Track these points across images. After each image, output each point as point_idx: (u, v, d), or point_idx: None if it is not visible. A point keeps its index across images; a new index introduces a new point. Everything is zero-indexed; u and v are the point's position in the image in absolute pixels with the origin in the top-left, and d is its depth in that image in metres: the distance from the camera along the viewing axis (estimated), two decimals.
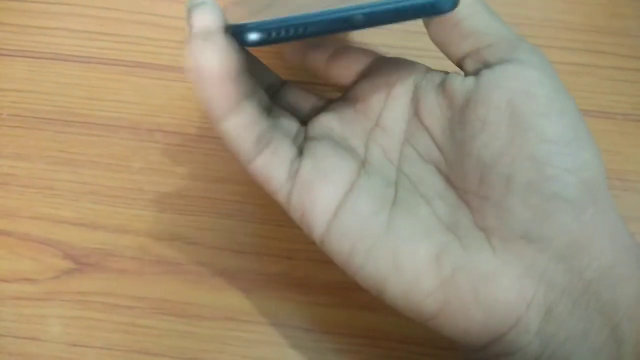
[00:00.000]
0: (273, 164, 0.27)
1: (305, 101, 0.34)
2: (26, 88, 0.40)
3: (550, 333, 0.25)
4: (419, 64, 0.32)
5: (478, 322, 0.25)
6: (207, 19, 0.25)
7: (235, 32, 0.25)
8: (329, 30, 0.24)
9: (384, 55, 0.33)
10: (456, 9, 0.26)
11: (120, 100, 0.40)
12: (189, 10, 0.25)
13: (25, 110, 0.40)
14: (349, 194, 0.28)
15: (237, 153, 0.27)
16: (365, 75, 0.32)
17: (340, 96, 0.33)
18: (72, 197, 0.38)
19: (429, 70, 0.31)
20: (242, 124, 0.26)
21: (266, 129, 0.27)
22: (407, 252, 0.26)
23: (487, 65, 0.27)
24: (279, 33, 0.24)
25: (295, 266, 0.37)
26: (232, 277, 0.37)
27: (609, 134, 0.40)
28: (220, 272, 0.37)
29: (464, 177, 0.27)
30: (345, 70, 0.33)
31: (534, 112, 0.25)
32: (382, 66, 0.32)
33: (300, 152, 0.29)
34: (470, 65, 0.28)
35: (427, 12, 0.25)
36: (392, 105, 0.30)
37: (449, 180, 0.28)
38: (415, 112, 0.30)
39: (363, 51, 0.33)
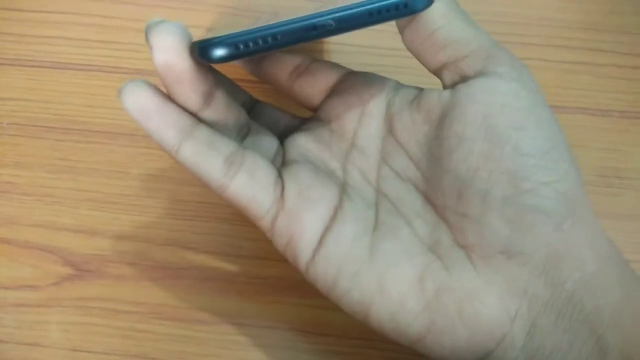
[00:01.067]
0: (254, 188, 0.27)
1: (278, 120, 0.34)
2: (25, 97, 0.41)
3: (536, 346, 0.25)
4: (389, 79, 0.32)
5: (464, 341, 0.26)
6: (168, 39, 0.24)
7: (201, 49, 0.24)
8: (300, 38, 0.24)
9: (352, 70, 0.33)
10: (430, 19, 0.26)
11: (119, 107, 0.40)
12: (147, 31, 0.25)
13: (24, 119, 0.41)
14: (334, 220, 0.28)
15: (205, 179, 0.27)
16: (335, 92, 0.32)
17: (313, 115, 0.33)
18: (71, 205, 0.39)
19: (400, 85, 0.31)
20: (203, 142, 0.26)
21: (236, 148, 0.27)
22: (392, 276, 0.27)
23: (464, 79, 0.27)
24: (247, 45, 0.23)
25: (291, 269, 0.37)
26: (229, 280, 0.37)
27: (606, 132, 0.40)
28: (217, 276, 0.38)
29: (442, 194, 0.27)
30: (312, 89, 0.32)
31: (510, 126, 0.25)
32: (352, 83, 0.31)
33: (279, 173, 0.29)
34: (447, 77, 0.28)
35: (400, 12, 0.24)
36: (366, 124, 0.30)
37: (427, 198, 0.28)
38: (390, 129, 0.30)
39: (329, 66, 0.33)
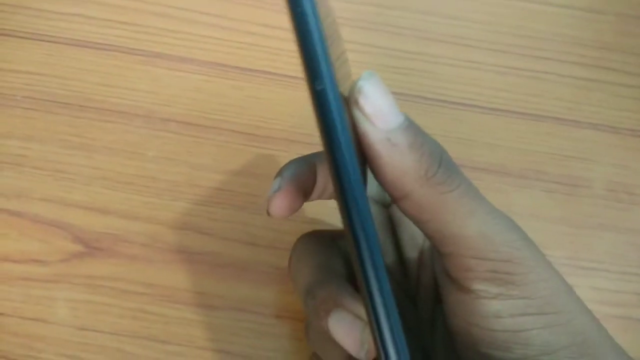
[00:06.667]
0: None
1: None
2: (42, 71, 0.41)
3: None
4: None
5: None
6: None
7: None
8: None
9: None
10: None
11: (136, 88, 0.41)
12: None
13: (39, 93, 0.41)
14: None
15: None
16: None
17: None
18: (84, 182, 0.39)
19: None
20: None
21: None
22: None
23: None
24: None
25: None
26: (243, 268, 0.37)
27: (616, 149, 0.42)
28: (231, 263, 0.38)
29: None
30: None
31: None
32: None
33: None
34: None
35: None
36: None
37: None
38: None
39: None
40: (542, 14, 0.45)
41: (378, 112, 0.21)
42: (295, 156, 0.28)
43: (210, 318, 0.37)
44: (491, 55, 0.43)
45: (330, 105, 0.19)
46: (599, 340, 0.24)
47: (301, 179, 0.27)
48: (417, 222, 0.24)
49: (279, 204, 0.26)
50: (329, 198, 0.28)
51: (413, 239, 0.31)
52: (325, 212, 0.39)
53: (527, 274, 0.23)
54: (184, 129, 0.40)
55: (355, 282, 0.22)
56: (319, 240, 0.30)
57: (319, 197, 0.28)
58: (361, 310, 0.24)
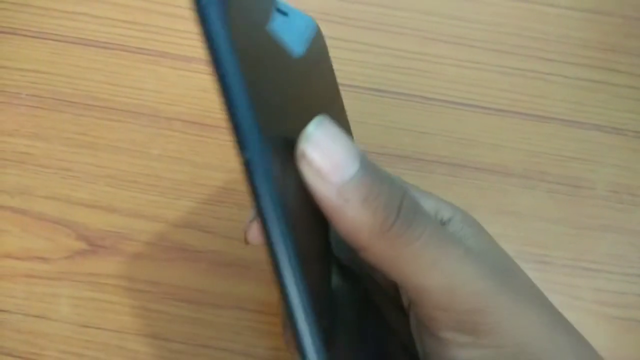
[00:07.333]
0: None
1: None
2: (47, 70, 0.41)
3: None
4: None
5: None
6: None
7: None
8: None
9: None
10: None
11: (141, 87, 0.41)
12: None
13: (45, 92, 0.41)
14: None
15: None
16: None
17: None
18: (89, 180, 0.39)
19: None
20: None
21: None
22: None
23: None
24: None
25: None
26: (246, 267, 0.38)
27: (620, 150, 0.42)
28: (234, 261, 0.38)
29: None
30: None
31: None
32: None
33: None
34: None
35: None
36: None
37: None
38: None
39: None
40: (547, 15, 0.45)
41: (328, 166, 0.20)
42: None
43: (212, 316, 0.37)
44: (495, 56, 0.43)
45: (256, 177, 0.18)
46: None
47: None
48: (380, 271, 0.22)
49: (256, 234, 0.24)
50: None
51: None
52: None
53: (498, 322, 0.22)
54: (188, 128, 0.41)
55: None
56: None
57: None
58: None
